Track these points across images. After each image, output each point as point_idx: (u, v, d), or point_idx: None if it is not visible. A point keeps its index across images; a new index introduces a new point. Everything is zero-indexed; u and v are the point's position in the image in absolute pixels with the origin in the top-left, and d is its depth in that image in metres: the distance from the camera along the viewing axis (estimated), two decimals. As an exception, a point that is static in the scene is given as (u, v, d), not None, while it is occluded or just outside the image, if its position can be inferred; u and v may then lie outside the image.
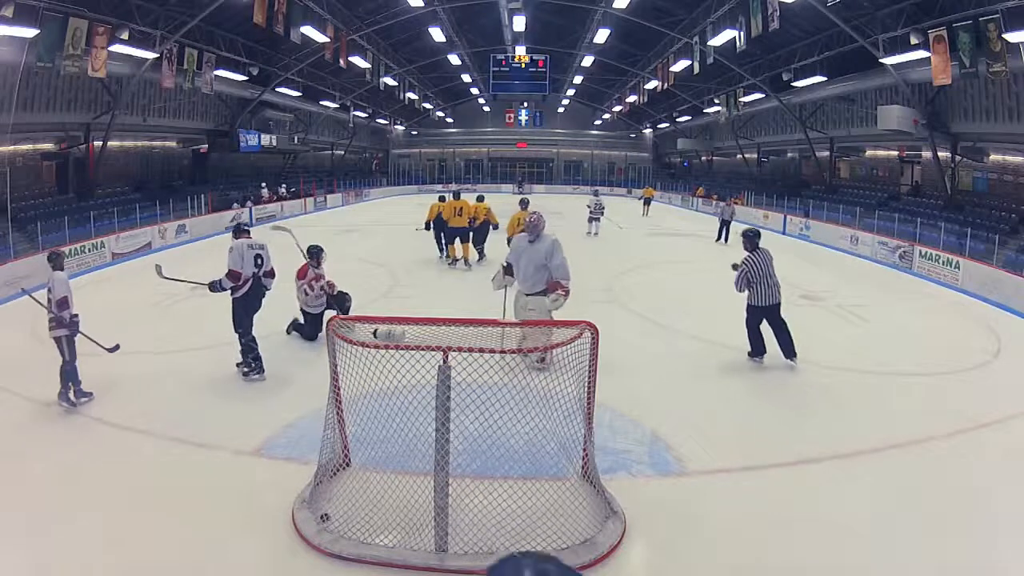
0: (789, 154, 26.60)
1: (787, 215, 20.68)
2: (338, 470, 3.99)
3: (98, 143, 15.85)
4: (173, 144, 20.74)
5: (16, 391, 5.54)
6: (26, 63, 11.81)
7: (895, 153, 19.43)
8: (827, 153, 22.68)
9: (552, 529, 3.36)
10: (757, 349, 6.52)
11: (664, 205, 32.23)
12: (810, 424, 5.12)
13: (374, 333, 4.02)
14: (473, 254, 12.00)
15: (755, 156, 29.21)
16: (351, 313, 7.36)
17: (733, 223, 16.41)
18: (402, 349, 3.39)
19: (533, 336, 4.08)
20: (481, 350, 3.29)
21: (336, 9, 19.03)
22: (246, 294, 5.81)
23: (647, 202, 26.47)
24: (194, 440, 4.59)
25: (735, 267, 6.53)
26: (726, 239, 16.25)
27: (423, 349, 3.47)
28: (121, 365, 6.42)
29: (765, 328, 6.47)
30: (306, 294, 7.30)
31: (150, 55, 14.70)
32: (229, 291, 5.76)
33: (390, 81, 27.83)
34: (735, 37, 17.13)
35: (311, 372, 5.58)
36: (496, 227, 12.04)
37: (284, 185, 24.78)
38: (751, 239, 6.54)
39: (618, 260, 13.59)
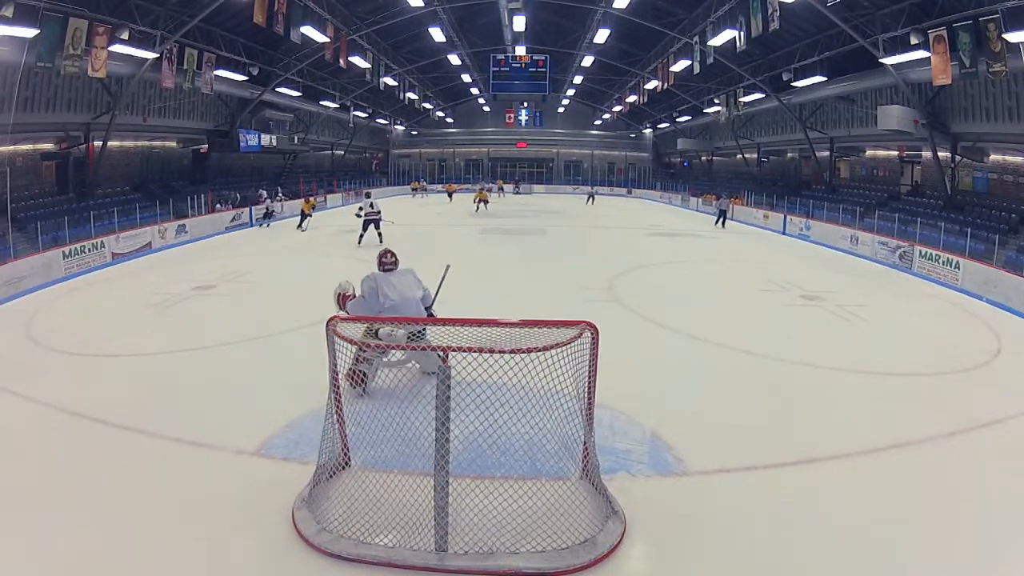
0: (789, 154, 26.60)
1: (787, 215, 20.68)
2: (338, 470, 3.99)
3: (98, 143, 15.85)
4: (173, 144, 20.73)
5: (15, 391, 5.54)
6: (26, 63, 11.81)
7: (895, 153, 19.43)
8: (827, 153, 22.68)
9: (552, 529, 3.36)
10: None
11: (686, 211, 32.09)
12: (810, 424, 5.12)
13: (376, 333, 4.03)
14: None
15: (755, 156, 29.21)
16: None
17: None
18: (402, 349, 3.39)
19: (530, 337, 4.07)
20: (480, 350, 3.29)
21: (336, 9, 19.03)
22: None
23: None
24: (194, 440, 4.59)
25: None
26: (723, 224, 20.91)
27: (423, 349, 3.47)
28: (121, 365, 6.44)
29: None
30: None
31: (150, 55, 14.70)
32: None
33: (390, 81, 27.83)
34: (735, 37, 17.13)
35: (311, 372, 5.57)
36: None
37: (280, 190, 24.51)
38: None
39: (618, 260, 13.59)
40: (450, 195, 32.16)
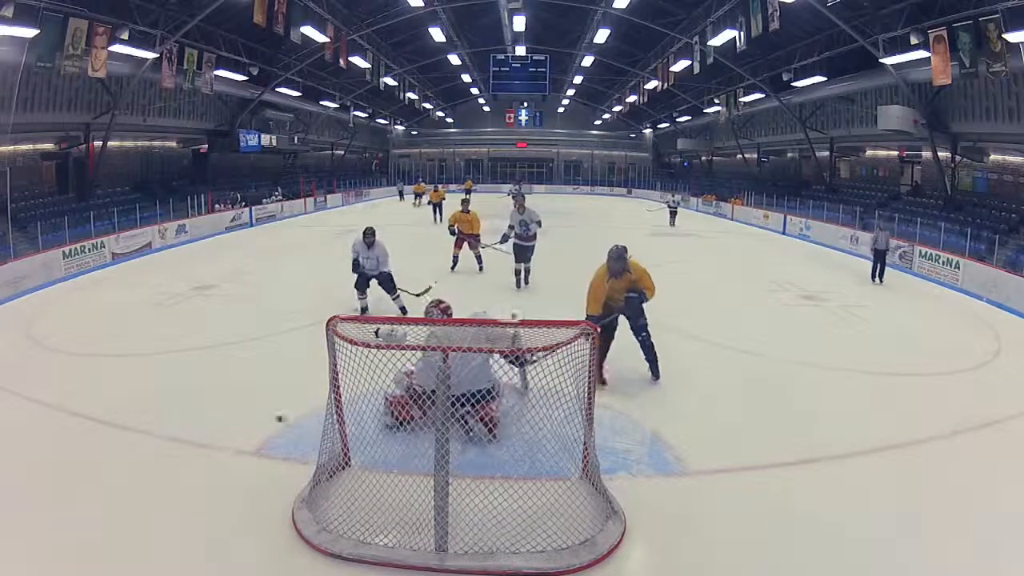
0: (789, 154, 26.60)
1: (787, 215, 20.67)
2: (338, 470, 3.99)
3: (98, 143, 15.84)
4: (173, 144, 20.75)
5: (15, 391, 5.54)
6: (26, 63, 11.81)
7: (895, 153, 19.43)
8: (827, 153, 22.69)
9: (552, 529, 3.36)
10: None
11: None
12: (810, 424, 5.11)
13: (376, 333, 4.03)
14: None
15: (755, 156, 29.21)
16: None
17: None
18: (402, 349, 3.39)
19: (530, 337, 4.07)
20: (480, 350, 3.29)
21: (336, 9, 19.04)
22: None
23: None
24: (194, 440, 4.59)
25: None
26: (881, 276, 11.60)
27: (423, 349, 3.48)
28: (121, 365, 6.44)
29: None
30: None
31: (150, 55, 14.70)
32: None
33: (390, 81, 27.84)
34: (735, 37, 17.14)
35: (311, 372, 5.58)
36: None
37: (271, 198, 24.03)
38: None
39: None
40: (438, 206, 20.69)
